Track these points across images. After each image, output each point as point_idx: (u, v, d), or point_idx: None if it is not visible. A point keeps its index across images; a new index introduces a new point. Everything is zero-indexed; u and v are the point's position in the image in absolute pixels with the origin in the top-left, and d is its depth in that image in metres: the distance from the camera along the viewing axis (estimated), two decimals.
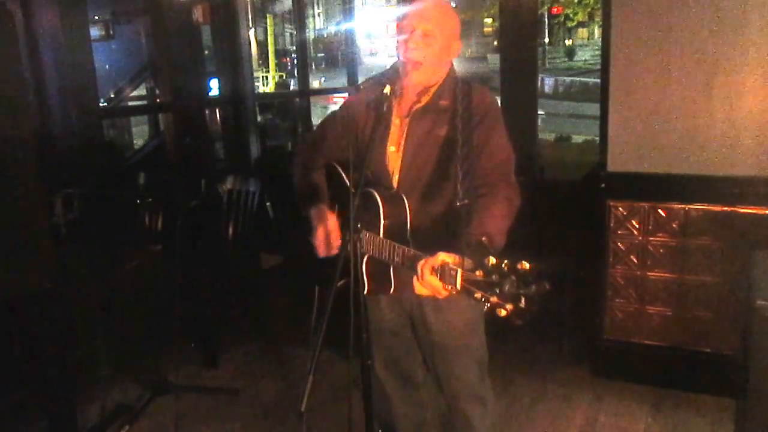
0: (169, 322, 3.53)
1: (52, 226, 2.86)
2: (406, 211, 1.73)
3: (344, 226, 1.82)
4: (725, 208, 2.70)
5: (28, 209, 2.17)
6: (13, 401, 2.91)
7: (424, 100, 1.80)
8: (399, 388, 2.13)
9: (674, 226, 2.81)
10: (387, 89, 1.64)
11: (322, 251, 1.86)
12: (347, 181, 1.86)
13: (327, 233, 1.83)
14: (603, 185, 2.92)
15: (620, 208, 2.90)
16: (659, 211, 2.83)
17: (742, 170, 2.66)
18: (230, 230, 3.64)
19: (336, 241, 1.82)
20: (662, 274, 2.87)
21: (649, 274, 2.89)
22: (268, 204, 4.48)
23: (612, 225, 2.92)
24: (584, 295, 3.17)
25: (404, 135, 1.81)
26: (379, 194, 1.73)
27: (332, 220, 1.85)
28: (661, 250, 2.85)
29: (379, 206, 1.71)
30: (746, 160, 2.65)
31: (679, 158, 2.75)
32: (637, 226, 2.88)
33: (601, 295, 3.01)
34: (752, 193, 2.64)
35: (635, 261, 2.91)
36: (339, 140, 1.92)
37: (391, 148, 1.83)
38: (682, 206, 2.78)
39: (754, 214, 2.65)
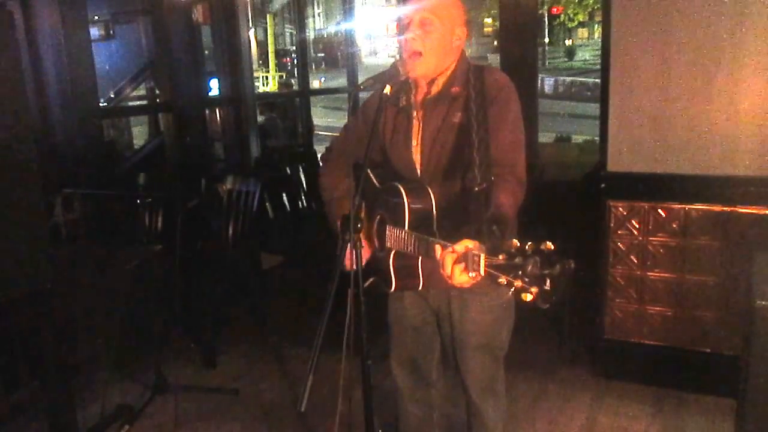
0: (169, 322, 3.53)
1: (52, 226, 2.86)
2: (431, 201, 1.70)
3: (368, 228, 1.81)
4: (725, 208, 2.70)
5: (28, 209, 2.17)
6: (13, 401, 2.91)
7: (435, 89, 1.79)
8: (411, 385, 2.13)
9: (674, 226, 2.81)
10: (387, 89, 1.64)
11: (348, 264, 1.67)
12: (373, 178, 1.88)
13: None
14: (603, 185, 2.92)
15: (620, 208, 2.90)
16: (659, 211, 2.83)
17: (742, 170, 2.66)
18: (230, 230, 3.64)
19: (364, 252, 1.76)
20: (662, 274, 2.87)
21: (649, 274, 2.89)
22: (268, 204, 4.49)
23: (612, 225, 2.92)
24: (584, 295, 3.17)
25: (420, 127, 1.81)
26: (403, 186, 1.71)
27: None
28: (661, 250, 2.85)
29: (403, 198, 1.69)
30: (746, 160, 2.65)
31: (679, 158, 2.75)
32: (637, 226, 2.88)
33: (601, 295, 3.01)
34: (752, 193, 2.64)
35: (635, 261, 2.91)
36: (362, 140, 1.89)
37: (413, 143, 1.83)
38: (682, 206, 2.78)
39: (754, 214, 2.65)
